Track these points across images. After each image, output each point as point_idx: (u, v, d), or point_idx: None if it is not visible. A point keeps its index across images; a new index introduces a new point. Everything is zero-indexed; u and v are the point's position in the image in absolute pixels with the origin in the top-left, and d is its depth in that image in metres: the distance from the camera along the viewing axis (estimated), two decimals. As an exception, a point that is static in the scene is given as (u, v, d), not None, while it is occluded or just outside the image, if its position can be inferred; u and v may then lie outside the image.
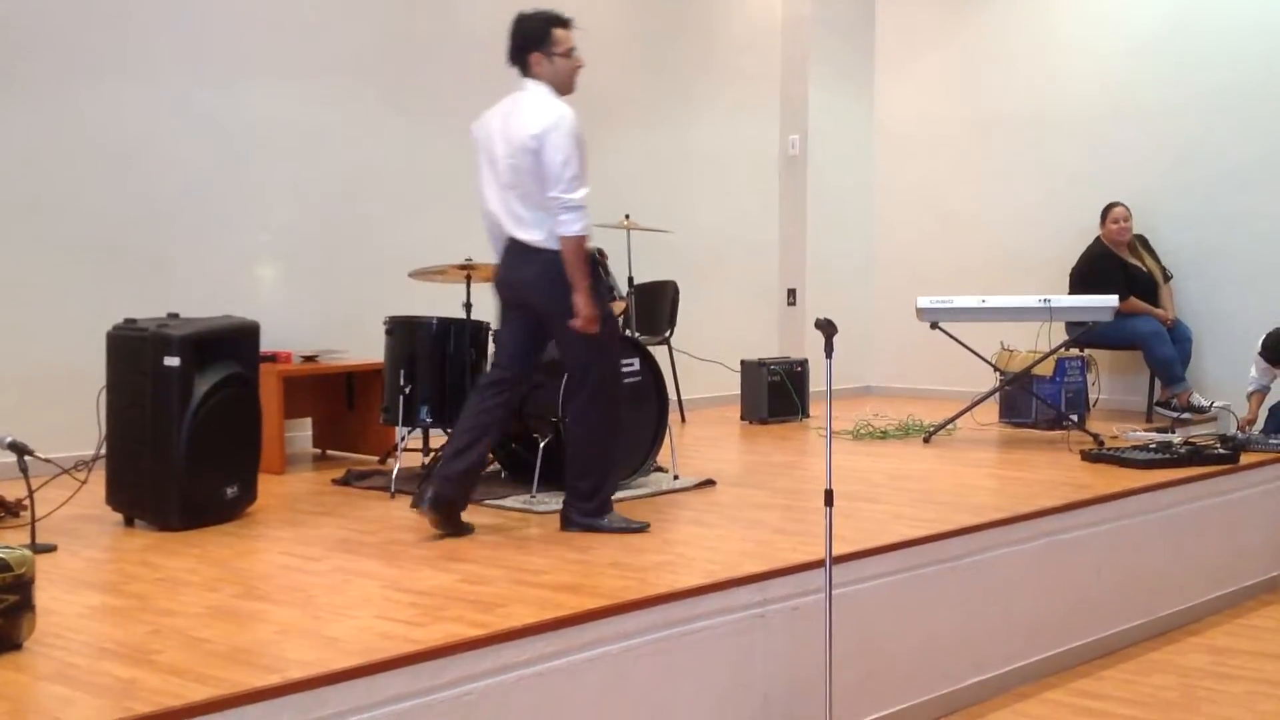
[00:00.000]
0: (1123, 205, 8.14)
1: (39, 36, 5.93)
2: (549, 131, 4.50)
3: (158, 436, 4.64)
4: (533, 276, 4.61)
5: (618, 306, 5.91)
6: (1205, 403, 7.73)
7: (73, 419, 5.10)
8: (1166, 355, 7.81)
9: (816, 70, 9.23)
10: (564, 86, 4.68)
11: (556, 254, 4.55)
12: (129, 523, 4.76)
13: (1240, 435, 6.56)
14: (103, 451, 4.78)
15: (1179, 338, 7.99)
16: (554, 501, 5.09)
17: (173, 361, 4.63)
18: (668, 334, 8.05)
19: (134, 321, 4.80)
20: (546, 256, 4.57)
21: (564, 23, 4.67)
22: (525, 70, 4.66)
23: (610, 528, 4.63)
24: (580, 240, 4.53)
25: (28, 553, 3.21)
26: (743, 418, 8.13)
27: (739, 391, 8.23)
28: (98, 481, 4.83)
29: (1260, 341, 7.01)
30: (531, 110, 4.57)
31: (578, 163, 4.51)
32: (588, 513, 4.66)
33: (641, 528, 4.65)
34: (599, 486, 4.68)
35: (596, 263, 5.73)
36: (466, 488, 4.63)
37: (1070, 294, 7.97)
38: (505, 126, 4.65)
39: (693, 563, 4.22)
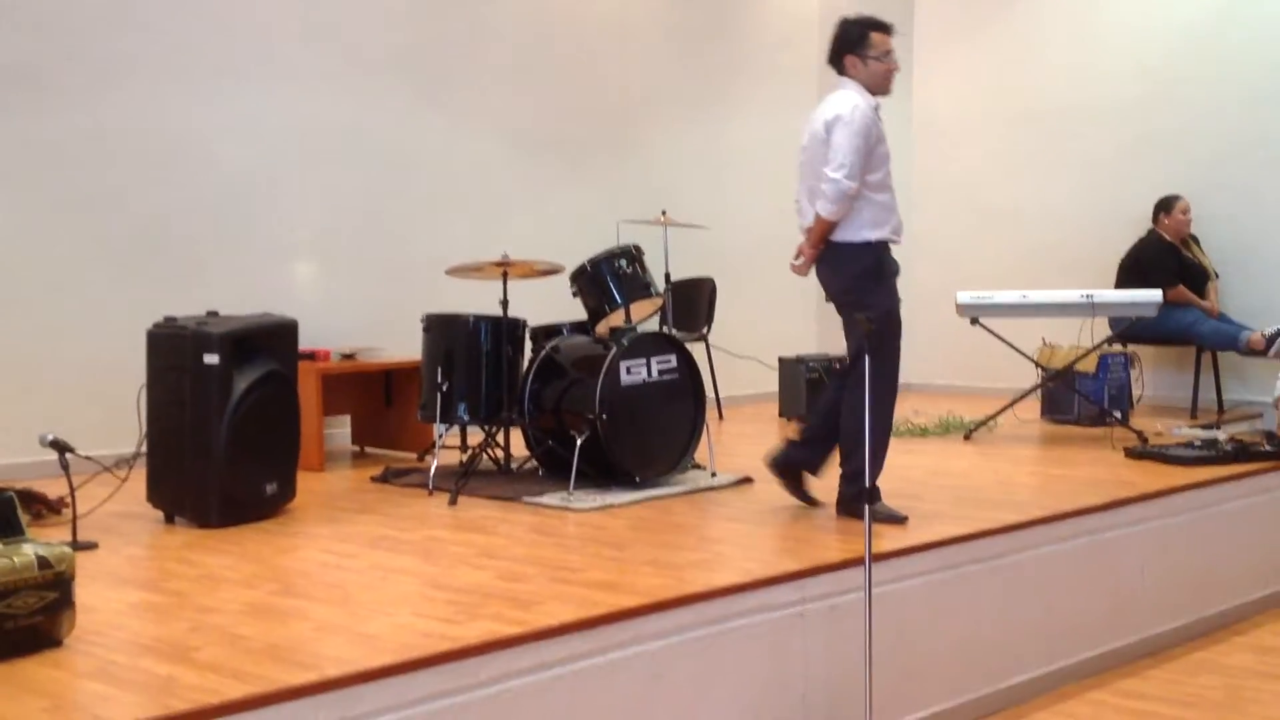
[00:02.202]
0: (1184, 198, 8.03)
1: (80, 39, 5.98)
2: (838, 119, 4.68)
3: (198, 434, 4.66)
4: (821, 267, 4.87)
5: (655, 304, 5.92)
6: (1273, 333, 7.48)
7: (113, 417, 5.14)
8: (1213, 326, 7.69)
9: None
10: (877, 88, 4.83)
11: (835, 245, 4.76)
12: (169, 520, 4.79)
13: (1285, 433, 6.45)
14: (143, 449, 4.81)
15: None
16: (590, 499, 5.09)
17: (212, 359, 4.65)
18: (705, 331, 8.02)
19: (174, 319, 4.83)
20: (828, 248, 4.78)
21: (884, 27, 4.82)
22: (841, 71, 4.85)
23: (885, 515, 4.65)
24: (826, 224, 4.73)
25: (67, 550, 3.23)
26: (781, 415, 8.09)
27: (777, 388, 8.18)
28: (138, 479, 4.86)
29: None
30: (831, 102, 4.78)
31: (853, 153, 4.64)
32: (851, 497, 4.71)
33: (901, 519, 4.64)
34: (859, 471, 4.59)
35: (635, 258, 5.75)
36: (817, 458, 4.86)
37: (1119, 285, 7.88)
38: (810, 122, 4.85)
39: (730, 561, 4.20)
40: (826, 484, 4.95)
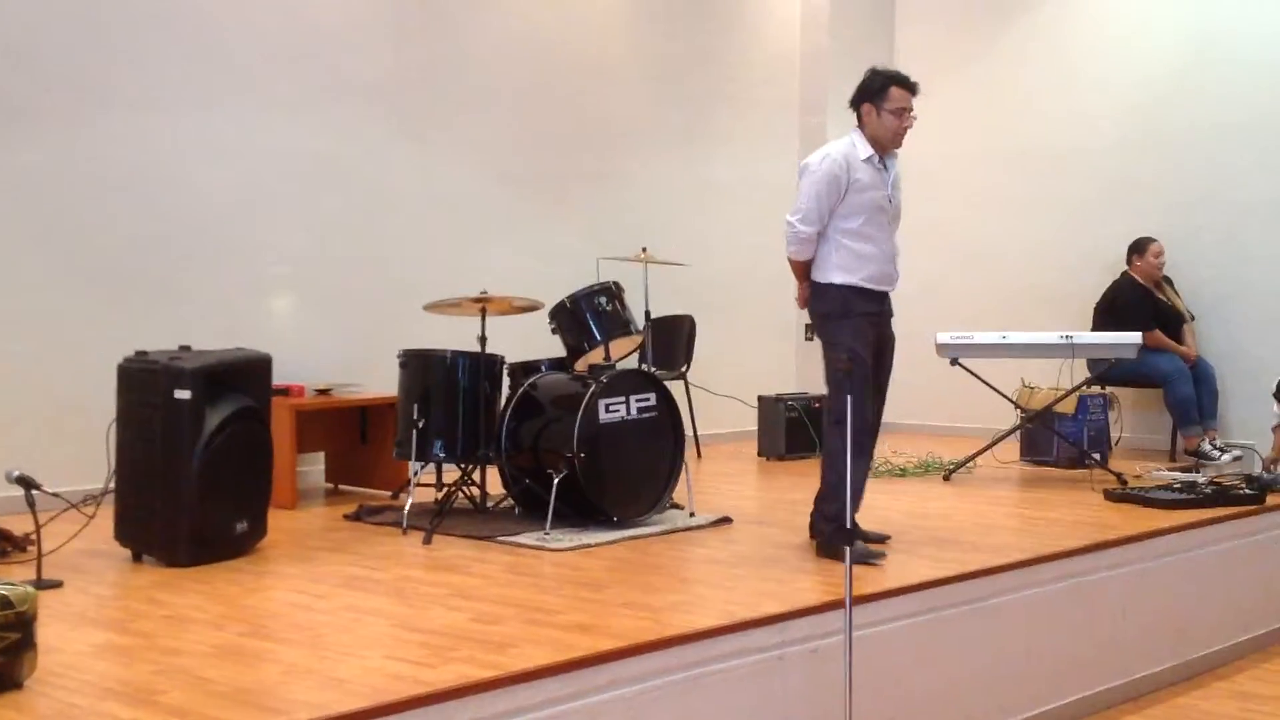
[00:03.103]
0: (1158, 241, 8.05)
1: (57, 68, 5.91)
2: (805, 168, 4.94)
3: (168, 470, 4.58)
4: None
5: (634, 341, 5.88)
6: (1216, 453, 7.58)
7: (82, 452, 5.06)
8: (1185, 395, 7.69)
9: (835, 102, 9.16)
10: (887, 141, 4.93)
11: (812, 283, 4.95)
12: (137, 558, 4.69)
13: (1266, 475, 6.44)
14: (112, 485, 4.72)
15: (1201, 376, 7.86)
16: (567, 539, 5.02)
17: (184, 394, 4.58)
18: (684, 369, 7.98)
19: (145, 354, 4.75)
20: (810, 286, 4.99)
21: (906, 84, 4.91)
22: (857, 116, 4.95)
23: (827, 554, 4.74)
24: (791, 262, 4.98)
25: (30, 589, 3.15)
26: (760, 454, 8.04)
27: (756, 427, 8.14)
28: (106, 516, 4.76)
29: (1277, 381, 6.92)
30: (818, 150, 5.02)
31: (811, 199, 4.84)
32: (829, 535, 4.75)
33: (877, 560, 4.64)
34: (838, 512, 4.63)
35: (615, 296, 5.72)
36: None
37: (1095, 328, 7.87)
38: None
39: (709, 603, 4.14)
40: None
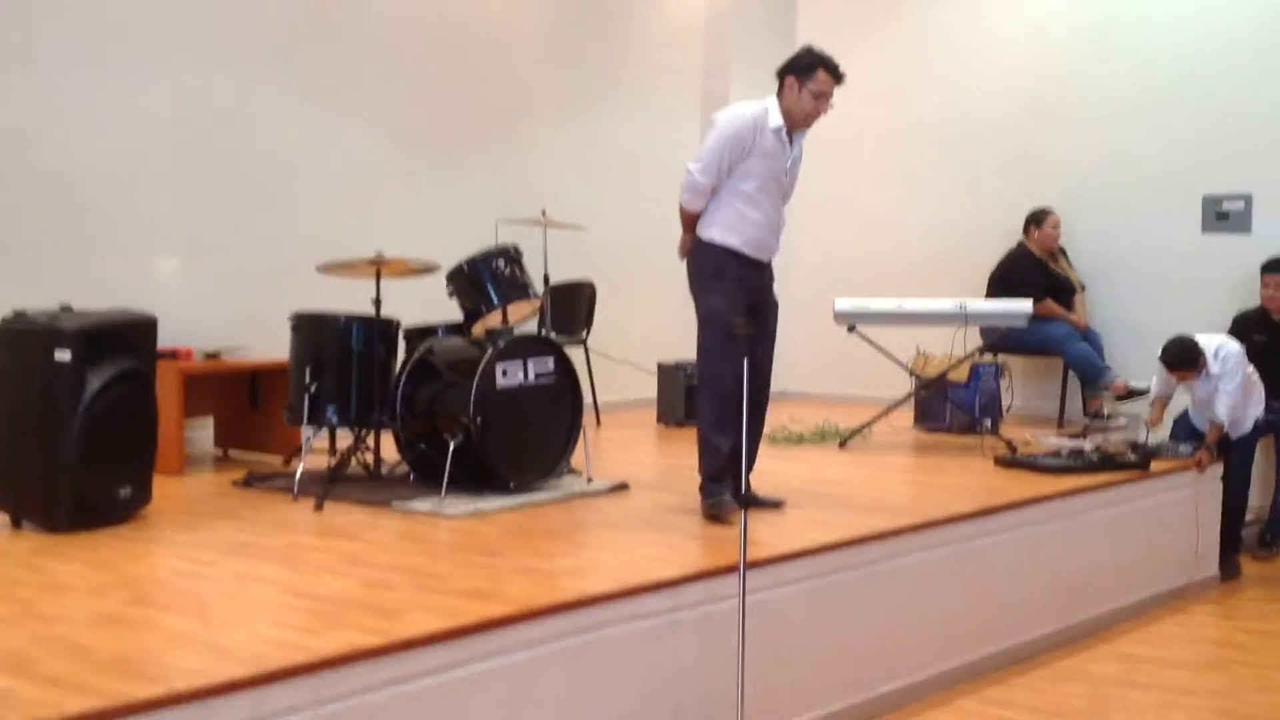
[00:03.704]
0: (1055, 213, 8.18)
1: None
2: (714, 121, 4.96)
3: (47, 434, 4.44)
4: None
5: (533, 305, 5.83)
6: (1143, 385, 7.68)
7: (-42, 415, 4.86)
8: (1083, 351, 7.85)
9: (738, 67, 9.18)
10: (798, 119, 4.95)
11: (695, 238, 4.98)
12: (16, 524, 4.55)
13: (1150, 443, 6.57)
14: (-11, 449, 4.56)
15: (1090, 344, 8.02)
16: (462, 505, 4.97)
17: (64, 356, 4.43)
18: (584, 334, 7.95)
19: (24, 313, 4.59)
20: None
21: (834, 71, 4.92)
22: (779, 89, 4.94)
23: (703, 510, 4.89)
24: (680, 210, 5.00)
25: (-103, 556, 3.03)
26: (659, 420, 8.05)
27: (655, 394, 8.14)
28: (-17, 480, 4.61)
29: (1162, 349, 7.06)
30: (729, 107, 5.07)
31: (713, 153, 4.87)
32: (707, 496, 4.90)
33: (717, 517, 4.75)
34: (702, 470, 4.92)
35: (513, 259, 5.65)
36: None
37: (989, 297, 7.98)
38: None
39: (604, 568, 4.13)
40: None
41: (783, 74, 4.95)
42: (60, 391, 4.43)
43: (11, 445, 4.53)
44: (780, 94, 4.94)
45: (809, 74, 4.88)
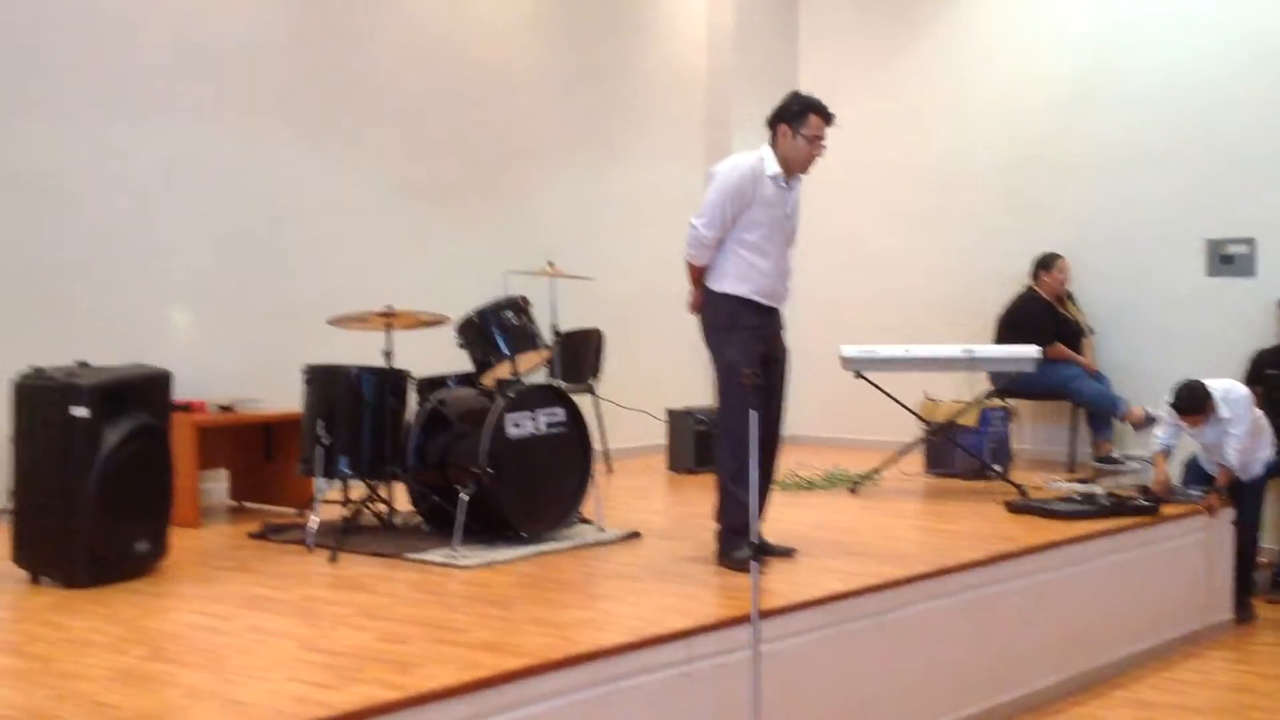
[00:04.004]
0: (1064, 258, 8.22)
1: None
2: (714, 174, 5.05)
3: (65, 490, 4.48)
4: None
5: (542, 355, 5.86)
6: (1129, 462, 7.73)
7: (-25, 471, 4.91)
8: (1094, 388, 7.87)
9: (739, 118, 9.26)
10: (795, 164, 5.02)
11: (705, 290, 5.04)
12: (35, 580, 4.58)
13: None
14: (7, 505, 4.60)
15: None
16: (476, 556, 5.00)
17: (81, 412, 4.48)
18: (593, 382, 7.98)
19: (41, 370, 4.65)
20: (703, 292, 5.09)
21: (824, 114, 4.99)
22: (771, 138, 5.02)
23: (727, 562, 4.86)
24: (689, 266, 5.07)
25: (-81, 615, 3.06)
26: (669, 467, 8.07)
27: (666, 441, 8.17)
28: (2, 536, 4.65)
29: (1172, 392, 7.07)
30: (725, 160, 5.14)
31: (715, 207, 4.93)
32: (720, 546, 4.93)
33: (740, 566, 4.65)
34: (723, 523, 4.95)
35: (522, 310, 5.70)
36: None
37: (997, 342, 8.00)
38: None
39: (617, 619, 4.15)
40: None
41: (774, 122, 5.02)
42: (77, 447, 4.48)
43: (29, 501, 4.56)
44: (774, 143, 5.01)
45: (800, 119, 4.95)
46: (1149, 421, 7.47)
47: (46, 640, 3.80)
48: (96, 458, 4.48)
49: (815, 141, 4.97)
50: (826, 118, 4.99)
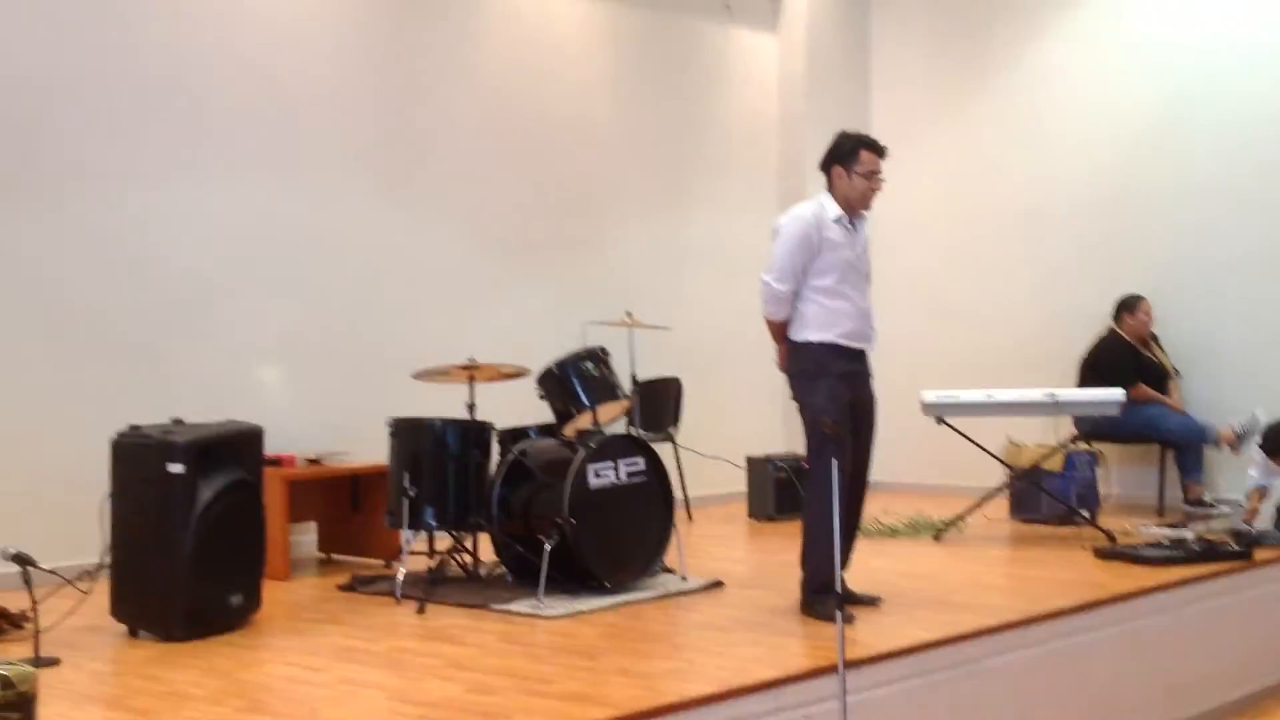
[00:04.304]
0: (1147, 299, 8.13)
1: (46, 142, 5.99)
2: (777, 229, 5.05)
3: (162, 545, 4.60)
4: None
5: (622, 405, 5.91)
6: (1218, 505, 7.61)
7: (76, 527, 5.04)
8: (1178, 420, 7.75)
9: (812, 165, 9.24)
10: (857, 202, 5.02)
11: (789, 342, 5.04)
12: (133, 633, 4.69)
13: (1252, 530, 6.47)
14: (107, 561, 4.72)
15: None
16: (560, 606, 5.03)
17: (177, 468, 4.60)
18: (672, 431, 8.01)
19: (138, 428, 4.78)
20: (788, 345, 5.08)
21: (876, 147, 5.02)
22: (827, 179, 5.04)
23: (814, 612, 4.83)
24: (767, 321, 5.07)
25: (29, 668, 3.16)
26: (750, 515, 8.06)
27: (746, 488, 8.17)
28: (102, 591, 4.76)
29: (1261, 434, 6.96)
30: (787, 212, 5.15)
31: (784, 258, 4.95)
32: (809, 595, 4.89)
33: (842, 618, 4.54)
34: (808, 573, 4.91)
35: (601, 360, 5.76)
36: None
37: (1080, 384, 7.92)
38: None
39: (703, 669, 4.15)
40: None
41: (827, 166, 5.04)
42: (174, 503, 4.59)
43: (128, 556, 4.68)
44: (831, 186, 5.03)
45: (853, 158, 4.97)
46: (1242, 438, 7.36)
47: (148, 693, 3.89)
48: (192, 513, 4.59)
49: (872, 177, 4.98)
50: (879, 151, 5.00)
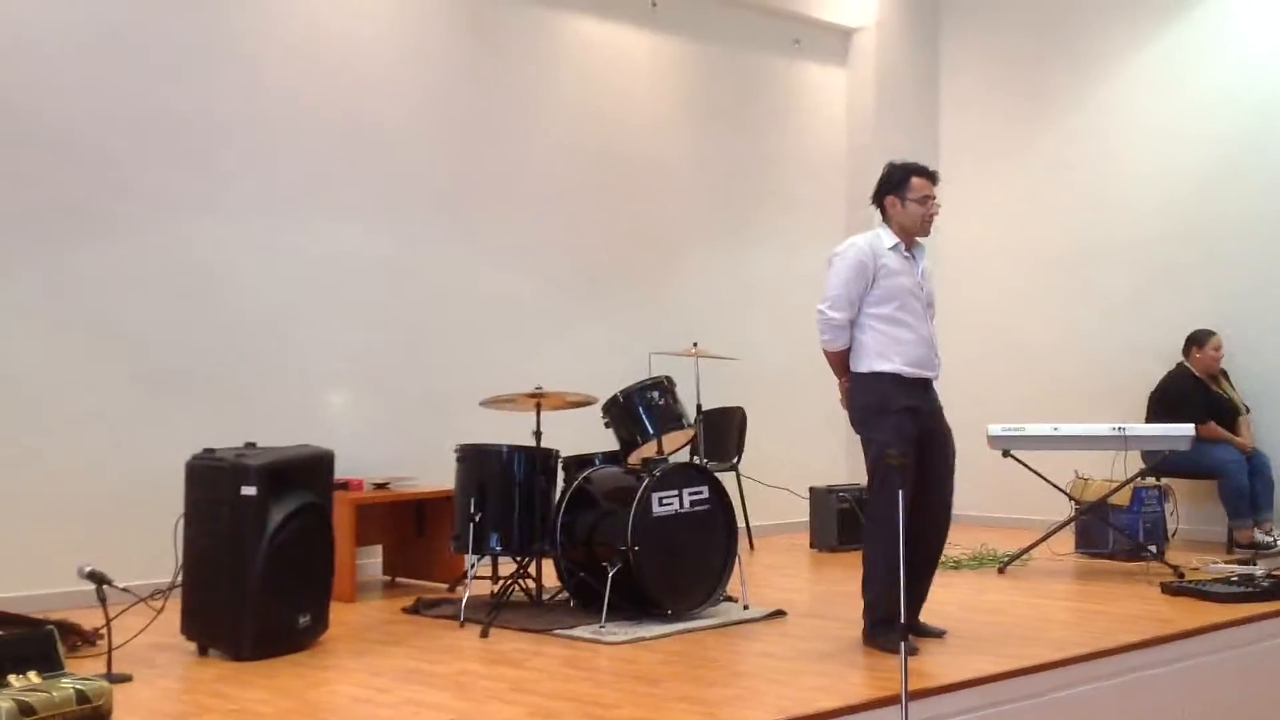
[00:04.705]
0: (1217, 334, 8.04)
1: (128, 176, 6.16)
2: (833, 257, 5.02)
3: (233, 565, 4.68)
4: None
5: (686, 435, 5.95)
6: (1270, 538, 7.52)
7: (150, 547, 5.14)
8: (1240, 487, 7.64)
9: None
10: (914, 229, 5.01)
11: (852, 374, 4.99)
12: (203, 652, 4.78)
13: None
14: (179, 580, 4.83)
15: (1257, 467, 7.81)
16: (622, 632, 5.06)
17: (250, 491, 4.70)
18: (736, 460, 8.03)
19: (212, 451, 4.89)
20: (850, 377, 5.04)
21: (926, 173, 5.02)
22: (881, 210, 5.05)
23: (869, 641, 4.84)
24: (826, 352, 5.03)
25: (105, 684, 3.25)
26: (812, 545, 8.05)
27: (808, 518, 8.16)
28: (174, 610, 4.86)
29: None
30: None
31: (839, 287, 4.92)
32: (869, 628, 4.86)
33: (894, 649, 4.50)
34: (867, 604, 4.88)
35: (667, 390, 5.80)
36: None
37: (1149, 419, 7.84)
38: None
39: (764, 697, 4.16)
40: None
41: (879, 199, 5.02)
42: (246, 524, 4.69)
43: (199, 576, 4.78)
44: (886, 218, 5.01)
45: (904, 186, 4.96)
46: (1252, 548, 7.33)
47: (217, 711, 3.96)
48: (263, 534, 4.68)
49: (926, 202, 4.95)
50: (930, 176, 4.99)
